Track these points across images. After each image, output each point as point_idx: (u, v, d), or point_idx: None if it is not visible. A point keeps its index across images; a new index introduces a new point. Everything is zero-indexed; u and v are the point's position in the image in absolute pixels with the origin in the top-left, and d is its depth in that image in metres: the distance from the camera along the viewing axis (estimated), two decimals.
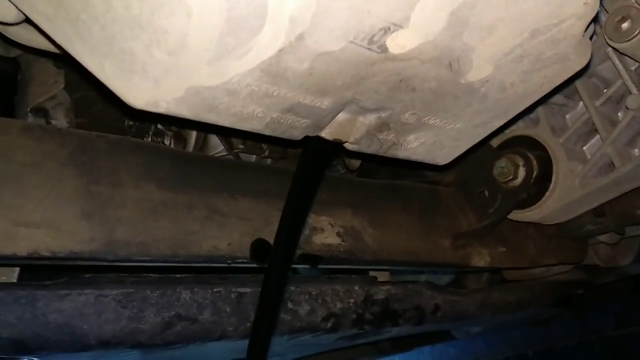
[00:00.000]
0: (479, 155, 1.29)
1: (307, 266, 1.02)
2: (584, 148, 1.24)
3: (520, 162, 1.23)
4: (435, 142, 0.79)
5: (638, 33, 0.93)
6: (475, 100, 0.70)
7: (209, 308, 1.03)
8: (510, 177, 1.23)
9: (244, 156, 1.18)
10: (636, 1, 0.93)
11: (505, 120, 0.79)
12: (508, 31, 0.60)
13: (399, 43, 0.57)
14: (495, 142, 1.33)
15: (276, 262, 0.77)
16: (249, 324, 1.08)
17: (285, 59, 0.55)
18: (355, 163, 1.36)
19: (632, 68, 1.09)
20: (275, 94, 0.60)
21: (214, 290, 1.04)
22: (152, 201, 0.84)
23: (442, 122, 0.74)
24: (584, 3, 0.59)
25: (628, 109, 1.08)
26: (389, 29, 0.55)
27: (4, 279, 0.86)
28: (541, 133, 1.25)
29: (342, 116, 0.68)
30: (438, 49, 0.59)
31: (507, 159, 1.24)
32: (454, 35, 0.58)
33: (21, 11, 0.59)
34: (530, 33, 0.61)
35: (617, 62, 1.08)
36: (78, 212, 0.77)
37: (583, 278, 1.85)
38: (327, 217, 1.06)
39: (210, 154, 1.14)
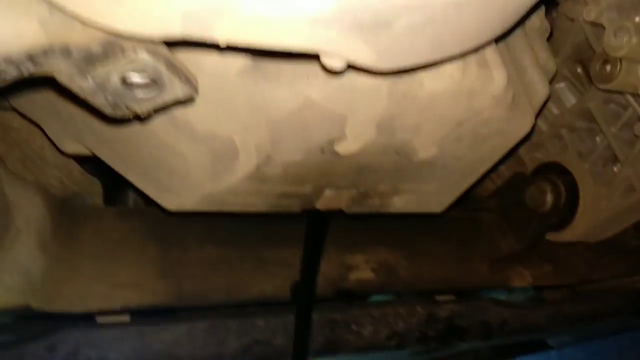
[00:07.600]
0: (513, 183, 1.40)
1: (344, 301, 1.21)
2: (615, 169, 1.29)
3: (548, 189, 1.31)
4: (419, 199, 0.95)
5: (619, 72, 1.01)
6: (436, 168, 0.86)
7: (280, 333, 1.26)
8: (540, 203, 1.32)
9: None
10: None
11: (476, 177, 0.92)
12: (434, 127, 0.75)
13: (345, 148, 0.75)
14: (531, 167, 1.43)
15: (301, 300, 1.00)
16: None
17: (263, 170, 0.76)
18: None
19: None
20: (265, 190, 0.81)
21: (284, 318, 1.27)
22: (211, 258, 1.10)
23: (416, 186, 0.90)
24: (492, 97, 0.72)
25: (637, 136, 1.13)
26: (333, 141, 0.73)
27: (119, 320, 1.18)
28: (568, 158, 1.32)
29: (328, 192, 0.88)
30: (380, 146, 0.76)
31: (535, 187, 1.33)
32: (388, 136, 0.75)
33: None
34: (456, 124, 0.76)
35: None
36: (155, 273, 1.05)
37: None
38: (363, 255, 1.24)
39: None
